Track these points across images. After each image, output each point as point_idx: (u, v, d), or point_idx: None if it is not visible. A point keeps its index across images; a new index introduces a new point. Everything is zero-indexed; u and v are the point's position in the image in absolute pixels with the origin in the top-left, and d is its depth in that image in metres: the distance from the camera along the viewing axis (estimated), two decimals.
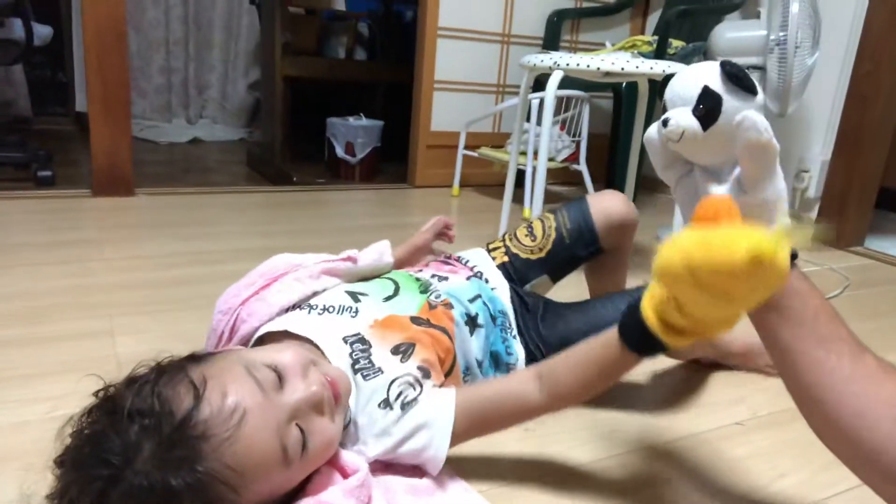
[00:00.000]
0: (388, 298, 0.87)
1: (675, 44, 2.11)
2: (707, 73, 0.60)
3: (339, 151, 2.70)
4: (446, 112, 2.57)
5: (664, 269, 0.53)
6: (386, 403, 0.72)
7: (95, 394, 0.61)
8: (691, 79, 0.60)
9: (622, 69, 1.43)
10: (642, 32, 2.82)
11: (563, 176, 2.67)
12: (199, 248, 1.63)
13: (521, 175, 2.06)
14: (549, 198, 2.43)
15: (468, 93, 2.61)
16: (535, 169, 1.66)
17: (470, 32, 2.54)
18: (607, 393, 1.05)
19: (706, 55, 1.97)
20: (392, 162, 2.81)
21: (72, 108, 3.46)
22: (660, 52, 1.99)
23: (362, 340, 0.78)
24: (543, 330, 0.95)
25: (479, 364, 0.89)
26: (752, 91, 0.59)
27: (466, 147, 2.49)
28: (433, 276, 0.95)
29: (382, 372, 0.74)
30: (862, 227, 2.15)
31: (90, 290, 1.30)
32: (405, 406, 0.71)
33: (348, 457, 0.70)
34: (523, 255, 1.03)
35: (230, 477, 0.57)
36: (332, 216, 2.19)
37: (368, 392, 0.73)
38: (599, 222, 1.01)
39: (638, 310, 0.63)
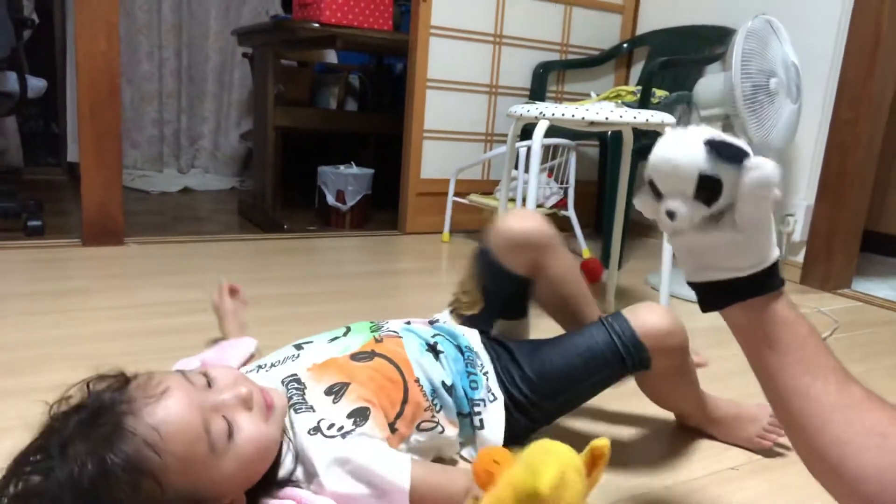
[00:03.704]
0: (333, 339, 0.89)
1: (659, 93, 2.17)
2: (696, 157, 0.56)
3: (330, 199, 2.72)
4: (436, 160, 2.61)
5: None
6: (316, 430, 0.73)
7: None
8: (681, 165, 0.57)
9: (606, 119, 1.47)
10: (626, 83, 2.90)
11: (551, 222, 2.69)
12: (189, 297, 1.62)
13: None
14: None
15: (457, 141, 2.65)
16: None
17: (458, 84, 2.60)
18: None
19: (689, 105, 2.03)
20: (383, 209, 2.83)
21: (63, 158, 3.48)
22: (643, 102, 2.04)
23: (298, 381, 0.80)
24: (519, 367, 0.93)
25: (449, 388, 0.87)
26: (744, 156, 0.57)
27: (456, 194, 2.52)
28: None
29: (314, 410, 0.75)
30: (848, 269, 2.18)
31: (77, 340, 1.29)
32: (345, 435, 0.72)
33: (319, 501, 0.70)
34: (468, 313, 1.02)
35: (152, 438, 0.59)
36: (322, 263, 2.20)
37: (299, 424, 0.74)
38: (500, 248, 0.98)
39: None
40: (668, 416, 1.11)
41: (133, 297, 1.60)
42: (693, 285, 0.65)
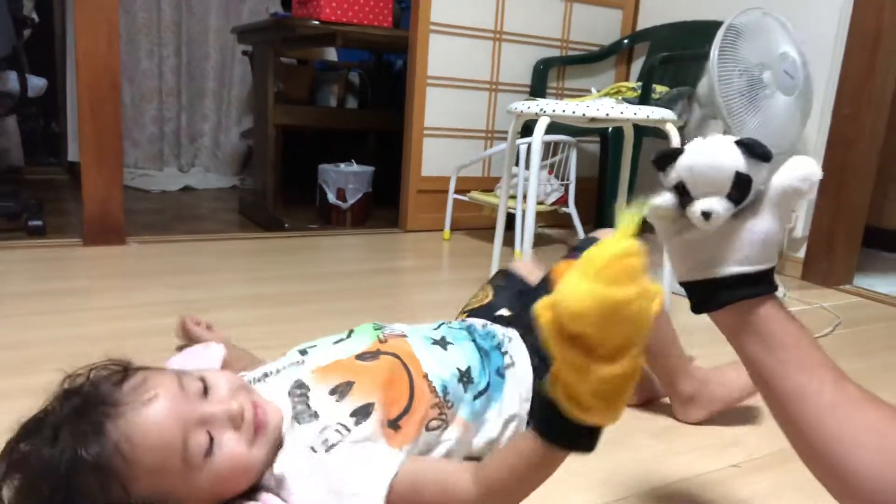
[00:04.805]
0: (338, 342, 0.88)
1: (659, 89, 2.17)
2: (731, 157, 0.61)
3: (331, 197, 2.71)
4: (436, 157, 2.60)
5: (572, 307, 0.54)
6: (312, 447, 0.71)
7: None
8: (717, 165, 0.61)
9: (607, 115, 1.46)
10: (627, 79, 2.89)
11: (552, 219, 2.69)
12: (190, 297, 1.62)
13: (511, 218, 2.07)
14: (539, 240, 2.45)
15: (458, 139, 2.65)
16: (524, 212, 1.67)
17: (458, 81, 2.59)
18: (603, 437, 1.05)
19: (690, 100, 2.02)
20: (383, 207, 2.83)
21: (64, 157, 3.48)
22: (644, 98, 2.04)
23: (301, 385, 0.78)
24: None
25: (465, 373, 0.86)
26: (769, 154, 0.62)
27: (457, 191, 2.51)
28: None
29: (317, 417, 0.74)
30: (850, 265, 2.17)
31: (80, 340, 1.29)
32: (329, 449, 0.70)
33: None
34: (477, 306, 1.09)
35: (124, 446, 0.60)
36: (323, 261, 2.20)
37: (301, 439, 0.72)
38: (519, 267, 1.16)
39: (542, 388, 0.59)
40: (670, 413, 1.11)
41: (134, 297, 1.60)
42: (688, 285, 0.64)
